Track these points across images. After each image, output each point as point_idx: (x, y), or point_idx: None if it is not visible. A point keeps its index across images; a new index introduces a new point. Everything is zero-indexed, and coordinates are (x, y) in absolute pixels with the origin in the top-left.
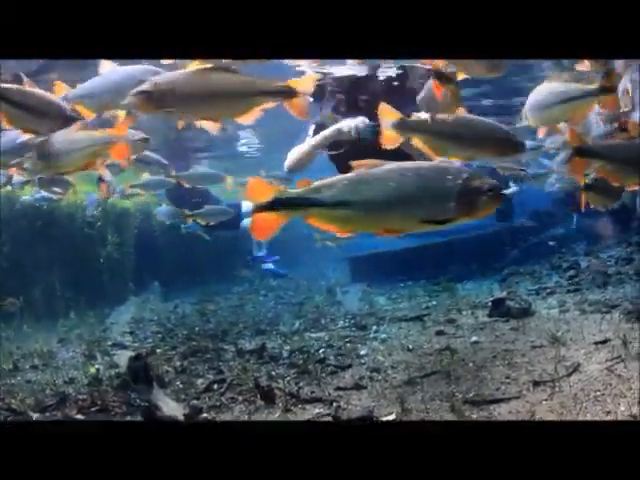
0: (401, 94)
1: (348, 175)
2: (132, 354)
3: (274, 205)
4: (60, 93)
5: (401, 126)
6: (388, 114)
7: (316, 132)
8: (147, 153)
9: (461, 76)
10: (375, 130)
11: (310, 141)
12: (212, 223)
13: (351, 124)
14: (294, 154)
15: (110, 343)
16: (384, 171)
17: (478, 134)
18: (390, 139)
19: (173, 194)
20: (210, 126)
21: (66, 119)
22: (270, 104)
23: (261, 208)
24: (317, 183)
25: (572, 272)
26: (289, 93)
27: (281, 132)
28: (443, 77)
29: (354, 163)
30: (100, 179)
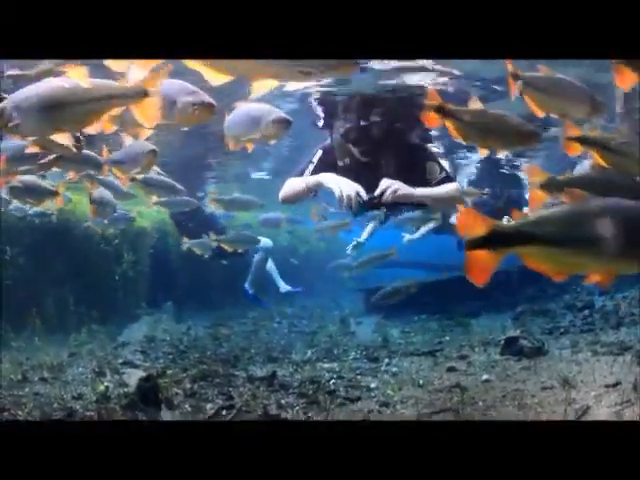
0: (412, 119)
1: (571, 207)
2: (142, 375)
3: (490, 241)
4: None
5: (549, 185)
6: (536, 174)
7: (323, 158)
8: (161, 177)
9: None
10: (366, 208)
11: (307, 180)
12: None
13: (345, 192)
14: (289, 187)
15: (121, 361)
16: (610, 205)
17: (632, 188)
18: (536, 199)
19: (178, 217)
20: (64, 138)
21: (76, 139)
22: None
23: (476, 244)
24: (536, 214)
25: (586, 312)
26: (139, 94)
27: (291, 154)
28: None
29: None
30: (92, 201)
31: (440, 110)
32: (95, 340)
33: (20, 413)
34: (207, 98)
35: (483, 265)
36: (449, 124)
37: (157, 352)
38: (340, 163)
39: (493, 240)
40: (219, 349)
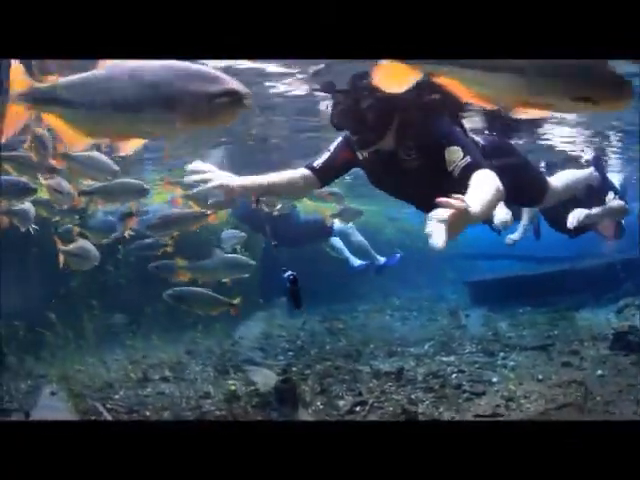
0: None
1: None
2: (280, 377)
3: None
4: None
5: None
6: None
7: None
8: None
9: None
10: None
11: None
12: None
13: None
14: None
15: (241, 359)
16: None
17: None
18: None
19: (243, 214)
20: None
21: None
22: None
23: None
24: None
25: None
26: None
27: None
28: None
29: None
30: (128, 214)
31: None
32: (211, 337)
33: (148, 414)
34: (238, 84)
35: None
36: None
37: (276, 349)
38: (359, 155)
39: None
40: (338, 344)
